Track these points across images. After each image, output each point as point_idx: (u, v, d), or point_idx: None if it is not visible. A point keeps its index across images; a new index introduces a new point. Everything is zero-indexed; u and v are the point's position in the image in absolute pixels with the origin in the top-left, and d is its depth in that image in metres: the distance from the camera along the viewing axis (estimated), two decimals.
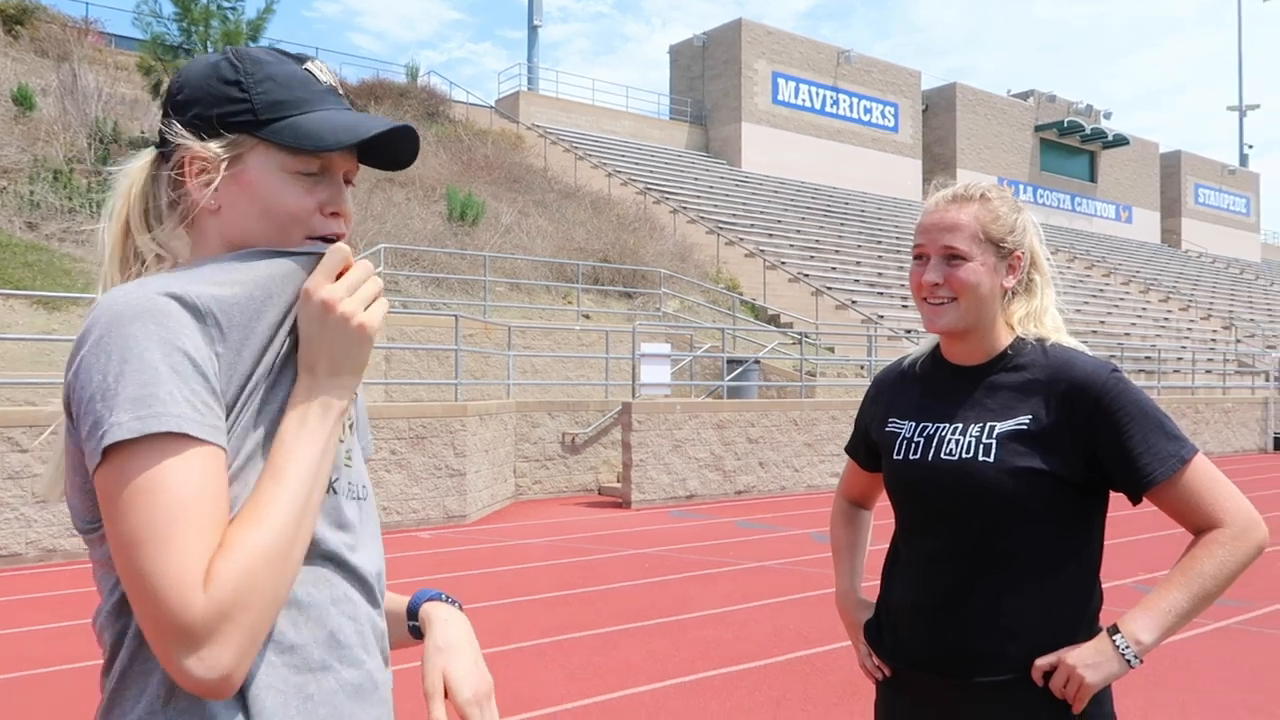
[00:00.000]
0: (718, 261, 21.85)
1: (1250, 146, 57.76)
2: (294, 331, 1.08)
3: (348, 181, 1.17)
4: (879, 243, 28.60)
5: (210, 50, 15.76)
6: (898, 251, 28.30)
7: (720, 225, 23.99)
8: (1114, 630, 1.53)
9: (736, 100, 32.86)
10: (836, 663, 5.09)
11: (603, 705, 4.44)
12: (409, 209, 18.12)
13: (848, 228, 29.05)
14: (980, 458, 1.59)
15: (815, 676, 4.86)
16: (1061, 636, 1.56)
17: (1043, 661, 1.55)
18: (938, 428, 1.67)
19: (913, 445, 1.69)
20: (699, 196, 27.06)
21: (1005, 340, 1.69)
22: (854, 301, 21.56)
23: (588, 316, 17.04)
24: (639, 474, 11.41)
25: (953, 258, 1.64)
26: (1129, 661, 1.51)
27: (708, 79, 33.80)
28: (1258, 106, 59.72)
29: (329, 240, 1.14)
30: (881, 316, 21.02)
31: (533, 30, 33.82)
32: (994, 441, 1.59)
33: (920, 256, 1.69)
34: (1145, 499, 1.59)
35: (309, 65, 1.16)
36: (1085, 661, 1.52)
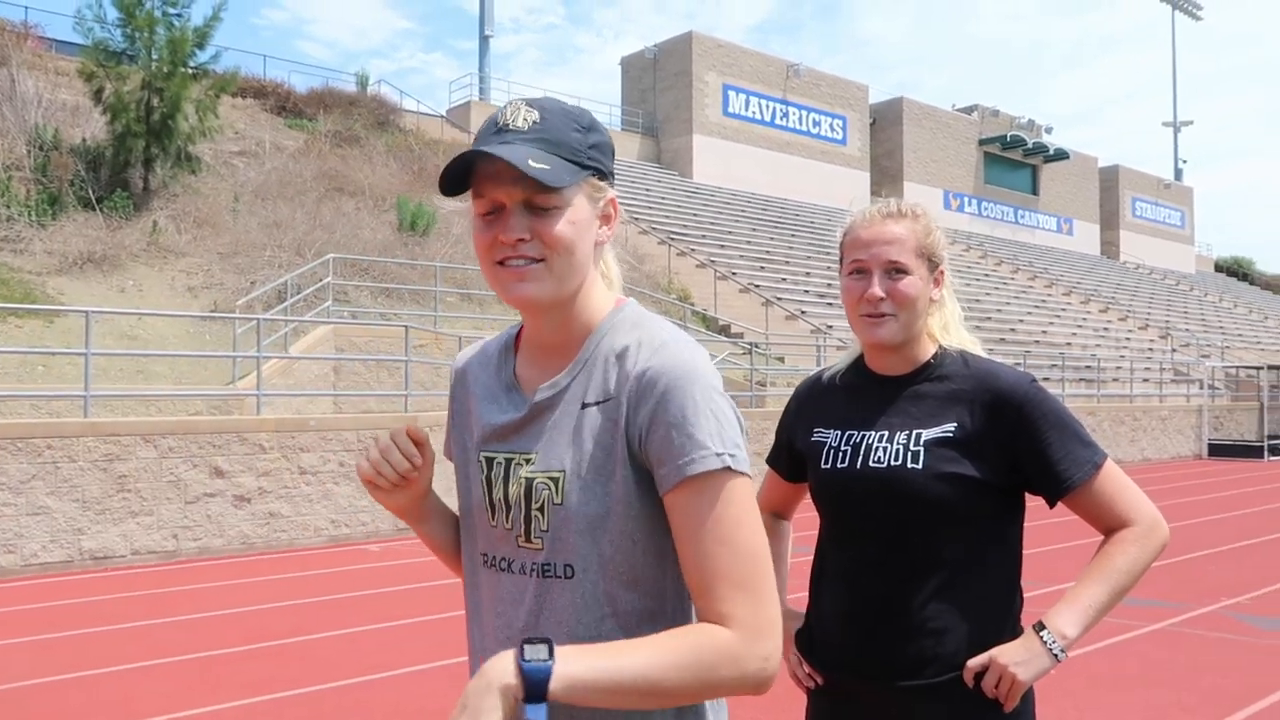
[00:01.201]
0: (669, 272, 21.97)
1: (1184, 161, 59.39)
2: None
3: (534, 208, 1.15)
4: (828, 254, 28.93)
5: (153, 57, 15.57)
6: None
7: (672, 236, 24.13)
8: (1040, 627, 1.60)
9: (687, 112, 33.08)
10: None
11: None
12: (359, 219, 17.98)
13: (797, 239, 29.36)
14: (909, 464, 1.64)
15: None
16: (989, 636, 1.62)
17: (974, 662, 1.60)
18: (864, 435, 1.72)
19: (840, 454, 1.73)
20: (650, 207, 27.19)
21: (928, 351, 1.75)
22: (803, 312, 21.79)
23: None
24: None
25: (895, 271, 1.69)
26: (1056, 656, 1.58)
27: (659, 91, 33.98)
28: (1191, 123, 61.47)
29: (509, 265, 1.17)
30: (830, 326, 21.27)
31: (484, 40, 33.75)
32: (921, 448, 1.65)
33: (860, 270, 1.72)
34: (1061, 503, 1.67)
35: (504, 107, 1.20)
36: (1016, 660, 1.58)
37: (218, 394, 10.81)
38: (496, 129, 1.16)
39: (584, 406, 1.19)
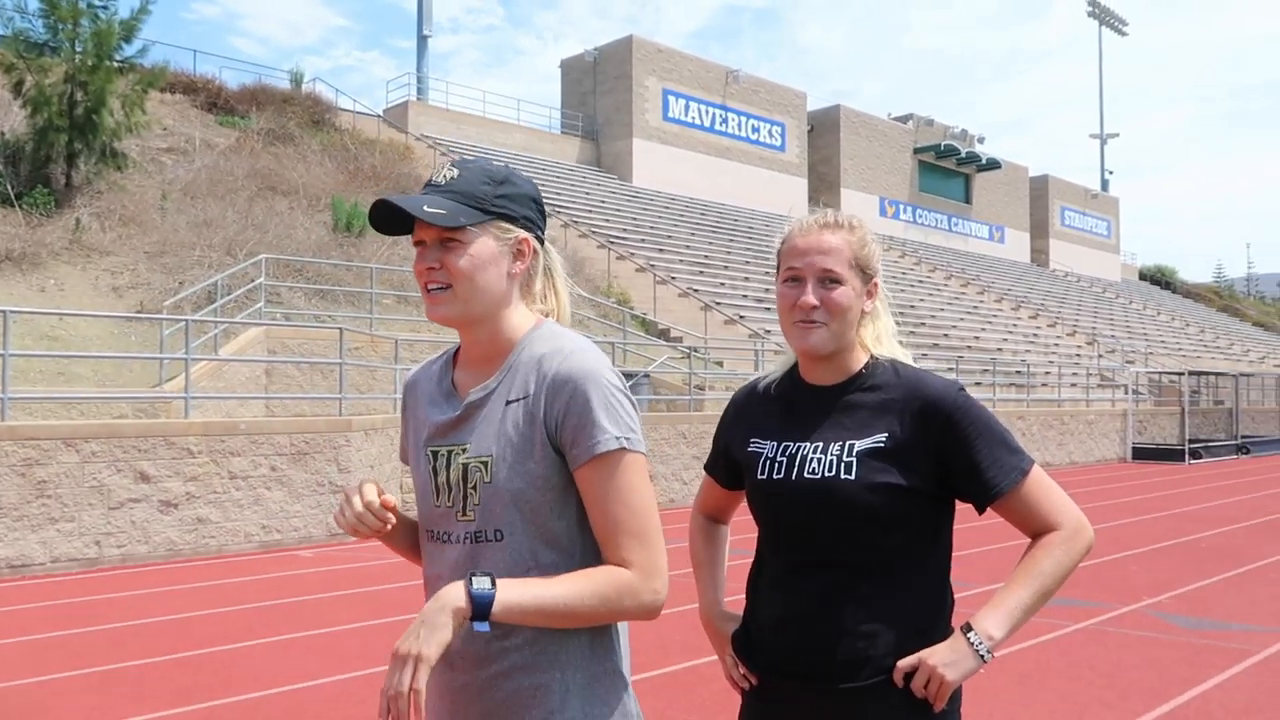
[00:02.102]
0: (609, 275, 21.96)
1: (1111, 172, 61.18)
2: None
3: (441, 242, 1.47)
4: (766, 259, 29.18)
5: (77, 49, 15.13)
6: None
7: (611, 240, 24.13)
8: (967, 628, 1.63)
9: (628, 116, 33.12)
10: (714, 674, 5.18)
11: None
12: (292, 218, 17.66)
13: (736, 244, 29.56)
14: (842, 475, 1.66)
15: (701, 685, 4.94)
16: (919, 639, 1.65)
17: (904, 663, 1.63)
18: (799, 446, 1.73)
19: (776, 465, 1.74)
20: (590, 211, 27.16)
21: (859, 361, 1.77)
22: (741, 317, 21.95)
23: None
24: None
25: (829, 280, 1.71)
26: (983, 657, 1.61)
27: (599, 94, 33.97)
28: (1117, 135, 63.28)
29: (427, 290, 1.50)
30: (768, 331, 21.44)
31: (422, 40, 33.39)
32: (854, 459, 1.67)
33: (794, 278, 1.74)
34: (991, 508, 1.70)
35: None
36: (944, 661, 1.61)
37: (144, 397, 10.52)
38: (427, 183, 1.51)
39: (508, 403, 1.47)
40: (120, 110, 15.67)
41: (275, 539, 9.27)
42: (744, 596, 1.86)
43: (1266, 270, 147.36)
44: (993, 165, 47.13)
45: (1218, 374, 27.02)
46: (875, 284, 1.77)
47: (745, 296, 24.15)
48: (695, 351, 16.98)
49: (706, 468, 2.00)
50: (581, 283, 20.50)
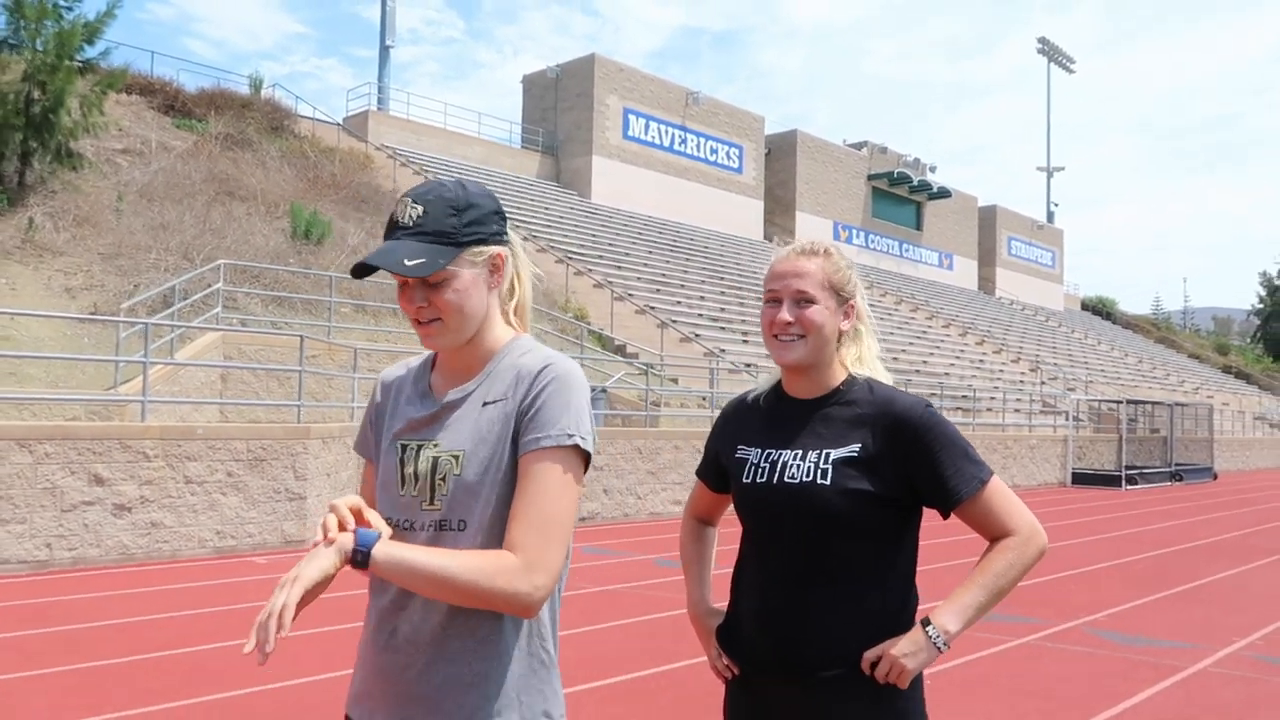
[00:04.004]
0: (566, 291, 22.08)
1: (1056, 205, 62.66)
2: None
3: (427, 284, 1.55)
4: (722, 279, 29.51)
5: (39, 47, 14.97)
6: (739, 288, 29.28)
7: (570, 255, 24.27)
8: (926, 623, 1.81)
9: (588, 133, 33.35)
10: (679, 679, 5.33)
11: None
12: (250, 224, 17.55)
13: (692, 263, 29.85)
14: (818, 481, 1.83)
15: (661, 693, 5.08)
16: (886, 632, 1.82)
17: (870, 654, 1.80)
18: (780, 454, 1.90)
19: (759, 470, 1.91)
20: (549, 226, 27.28)
21: (839, 378, 1.95)
22: (698, 335, 22.19)
23: None
24: None
25: (803, 300, 1.89)
26: (939, 648, 1.79)
27: (560, 110, 34.17)
28: (1063, 168, 64.94)
29: (418, 323, 1.58)
30: (723, 350, 21.71)
31: (385, 50, 33.33)
32: (830, 466, 1.84)
33: (773, 300, 1.93)
34: (952, 514, 1.88)
35: (397, 204, 1.60)
36: (905, 652, 1.78)
37: (99, 399, 10.42)
38: (391, 224, 1.58)
39: (484, 405, 1.58)
40: (78, 110, 15.50)
41: (230, 545, 9.24)
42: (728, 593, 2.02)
43: (1202, 304, 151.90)
44: (943, 194, 48.12)
45: (1154, 403, 27.83)
46: (851, 305, 1.95)
47: (701, 315, 24.41)
48: (651, 368, 17.15)
49: (698, 473, 2.17)
50: (539, 297, 20.50)
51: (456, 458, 1.55)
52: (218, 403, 12.07)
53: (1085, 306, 63.09)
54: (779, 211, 40.97)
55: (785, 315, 1.89)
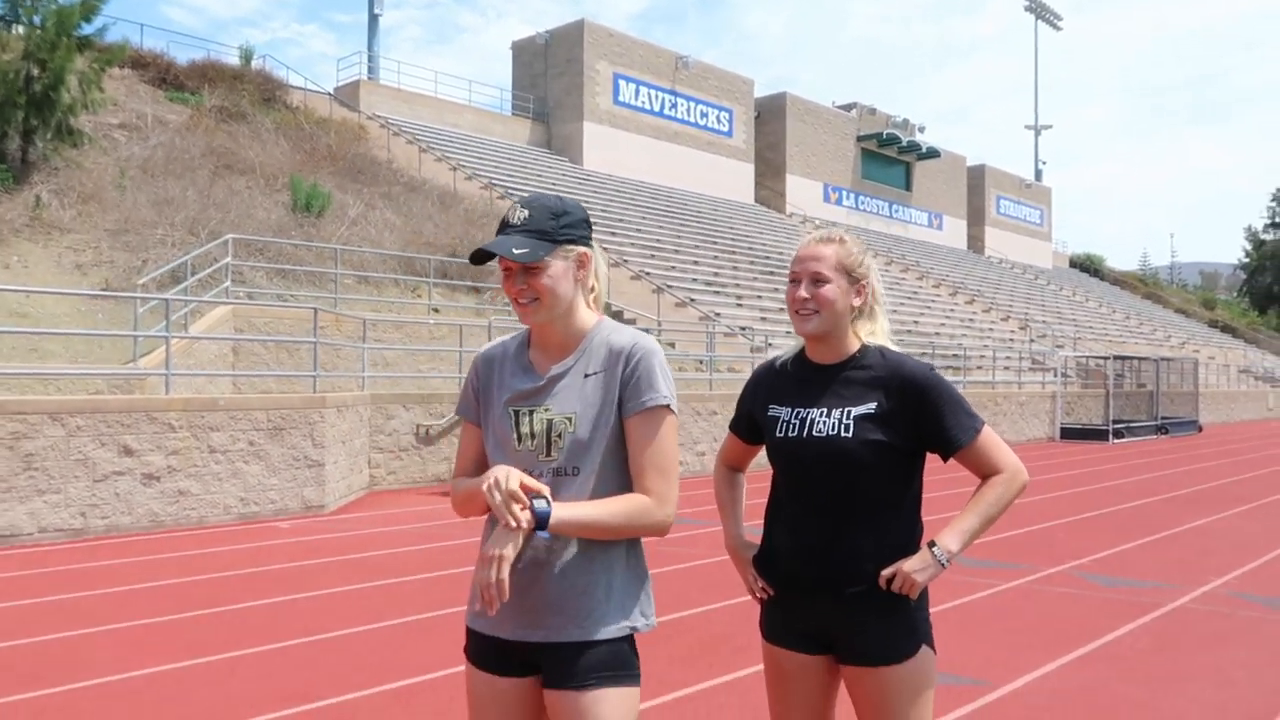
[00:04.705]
0: None
1: (1044, 163, 63.15)
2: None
3: (527, 270, 1.96)
4: (715, 243, 29.79)
5: (37, 23, 15.08)
6: (732, 252, 29.57)
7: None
8: (931, 544, 2.20)
9: (579, 99, 33.43)
10: (691, 626, 5.74)
11: None
12: (251, 198, 17.76)
13: (685, 228, 30.11)
14: (842, 435, 2.21)
15: (676, 638, 5.49)
16: (898, 554, 2.21)
17: (886, 572, 2.19)
18: (809, 412, 2.28)
19: (790, 426, 2.29)
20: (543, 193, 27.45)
21: (854, 347, 2.32)
22: (693, 300, 22.52)
23: (437, 310, 17.22)
24: None
25: (818, 280, 2.26)
26: (943, 564, 2.18)
27: (550, 77, 34.20)
28: (1051, 126, 65.18)
29: (519, 303, 1.99)
30: (718, 314, 22.06)
31: (374, 19, 33.22)
32: (851, 422, 2.22)
33: (795, 280, 2.31)
34: (952, 458, 2.26)
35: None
36: (915, 568, 2.17)
37: (122, 373, 10.74)
38: (503, 224, 2.00)
39: (585, 376, 2.00)
40: (77, 87, 15.64)
41: (253, 510, 9.61)
42: (761, 527, 2.39)
43: (1188, 259, 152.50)
44: (932, 154, 48.31)
45: (1140, 358, 28.33)
46: (862, 285, 2.31)
47: (695, 280, 24.72)
48: (649, 333, 17.48)
49: (731, 426, 2.54)
50: None
51: (570, 419, 1.96)
52: (234, 375, 12.39)
53: (1073, 264, 63.53)
54: (769, 174, 41.15)
55: (803, 293, 2.27)
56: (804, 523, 2.26)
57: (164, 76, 23.60)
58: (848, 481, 2.21)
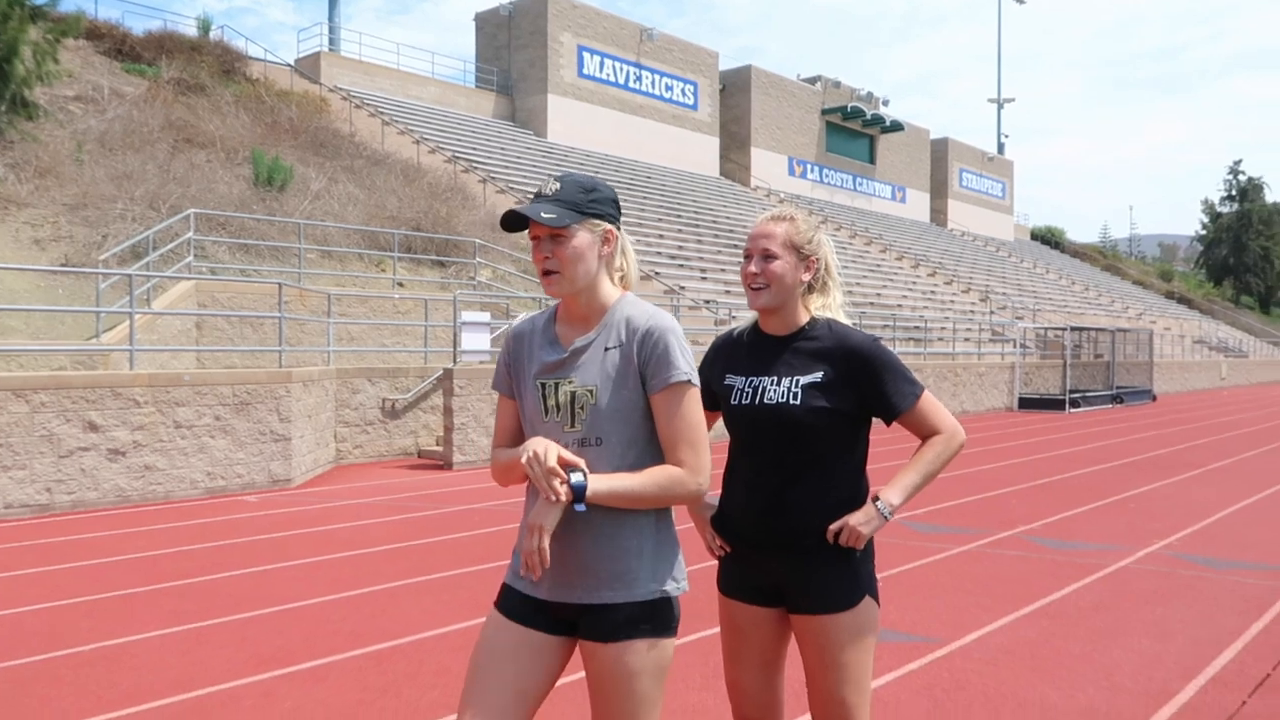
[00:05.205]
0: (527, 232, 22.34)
1: (1006, 136, 63.56)
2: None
3: (551, 237, 2.06)
4: (679, 216, 29.87)
5: None
6: (696, 226, 29.68)
7: (528, 196, 24.44)
8: (875, 499, 2.38)
9: (543, 72, 33.25)
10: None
11: (465, 631, 5.06)
12: (212, 172, 17.59)
13: (650, 202, 30.15)
14: (791, 401, 2.38)
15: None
16: (845, 510, 2.38)
17: (834, 526, 2.36)
18: (760, 380, 2.44)
19: (744, 393, 2.45)
20: (507, 167, 27.39)
21: (804, 319, 2.48)
22: (657, 273, 22.63)
23: (401, 285, 17.22)
24: (460, 437, 11.92)
25: (768, 256, 2.42)
26: (886, 516, 2.36)
27: (514, 49, 33.98)
28: (1013, 100, 65.63)
29: (543, 273, 2.10)
30: (683, 288, 22.21)
31: None
32: (800, 390, 2.38)
33: (748, 255, 2.47)
34: (895, 422, 2.43)
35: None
36: (859, 521, 2.35)
37: (85, 349, 10.69)
38: (536, 194, 2.11)
39: (606, 350, 2.09)
40: (31, 59, 15.38)
41: (220, 485, 9.66)
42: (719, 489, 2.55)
43: (1148, 232, 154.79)
44: (896, 127, 48.57)
45: (1097, 330, 28.87)
46: (812, 261, 2.46)
47: (660, 253, 24.82)
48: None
49: None
50: (501, 239, 20.90)
51: (591, 391, 2.06)
52: (205, 350, 12.38)
53: (1035, 236, 64.31)
54: (734, 148, 41.22)
55: (753, 268, 2.44)
56: (757, 483, 2.42)
57: (120, 48, 23.20)
58: (797, 445, 2.37)
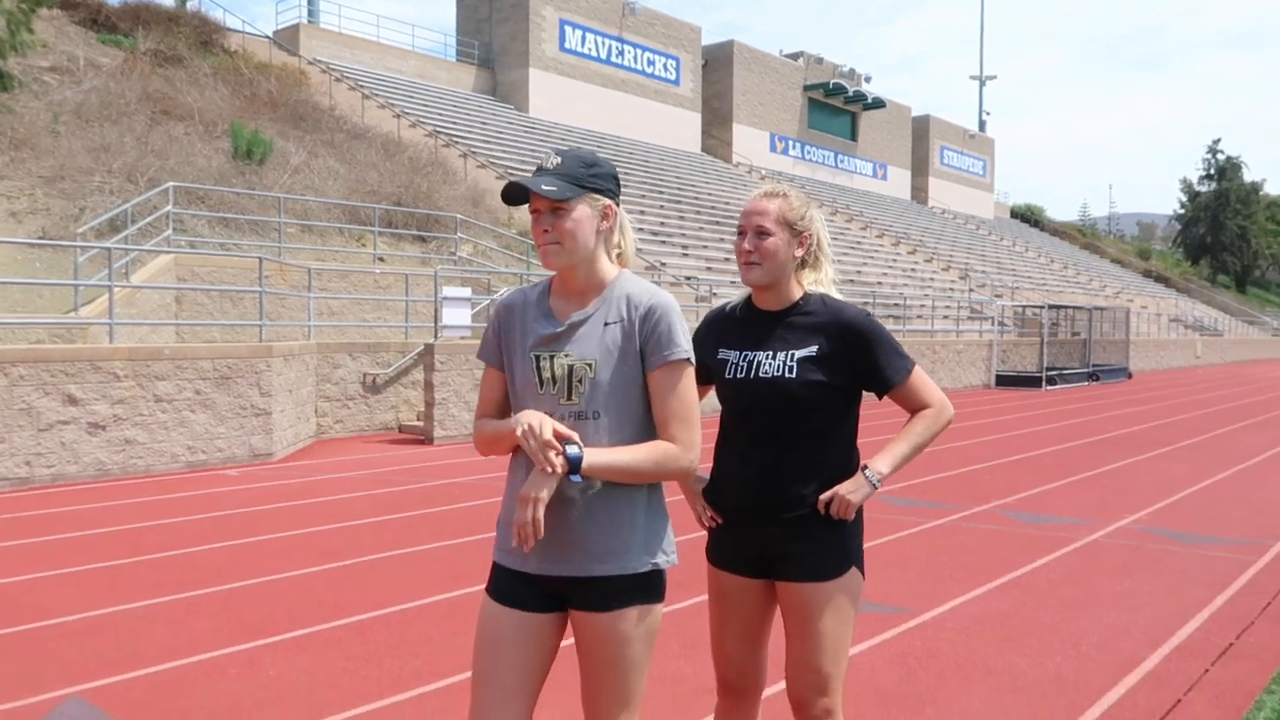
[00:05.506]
0: (510, 207, 22.28)
1: (988, 114, 63.59)
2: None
3: (551, 210, 2.07)
4: (661, 193, 29.84)
5: None
6: (679, 202, 29.66)
7: (509, 171, 24.38)
8: (864, 468, 2.44)
9: (524, 46, 33.02)
10: None
11: (446, 602, 5.13)
12: (190, 145, 17.43)
13: (632, 177, 30.08)
14: (786, 375, 2.42)
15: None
16: (835, 482, 2.43)
17: (824, 496, 2.42)
18: (755, 354, 2.48)
19: (739, 368, 2.50)
20: (489, 141, 27.24)
21: (797, 294, 2.52)
22: (639, 249, 22.63)
23: (382, 260, 17.16)
24: (441, 411, 11.95)
25: (761, 233, 2.46)
26: (874, 485, 2.42)
27: (495, 22, 33.70)
28: (995, 77, 65.80)
29: (542, 245, 2.10)
30: (664, 264, 22.24)
31: None
32: (795, 364, 2.43)
33: (741, 232, 2.51)
34: (887, 396, 2.49)
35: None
36: (849, 490, 2.41)
37: (64, 322, 10.64)
38: (538, 168, 2.12)
39: (606, 325, 2.10)
40: (5, 28, 15.17)
41: (201, 459, 9.66)
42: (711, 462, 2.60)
43: (1127, 210, 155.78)
44: (878, 104, 48.56)
45: (1075, 307, 29.12)
46: (805, 237, 2.50)
47: (642, 229, 24.81)
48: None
49: None
50: (482, 214, 20.84)
51: (590, 365, 2.07)
52: (185, 324, 12.33)
53: (1015, 214, 64.58)
54: (716, 124, 41.12)
55: (747, 245, 2.47)
56: (750, 455, 2.47)
57: (95, 18, 22.86)
58: (791, 418, 2.42)
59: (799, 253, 2.49)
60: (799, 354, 2.42)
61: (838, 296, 2.52)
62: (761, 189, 2.55)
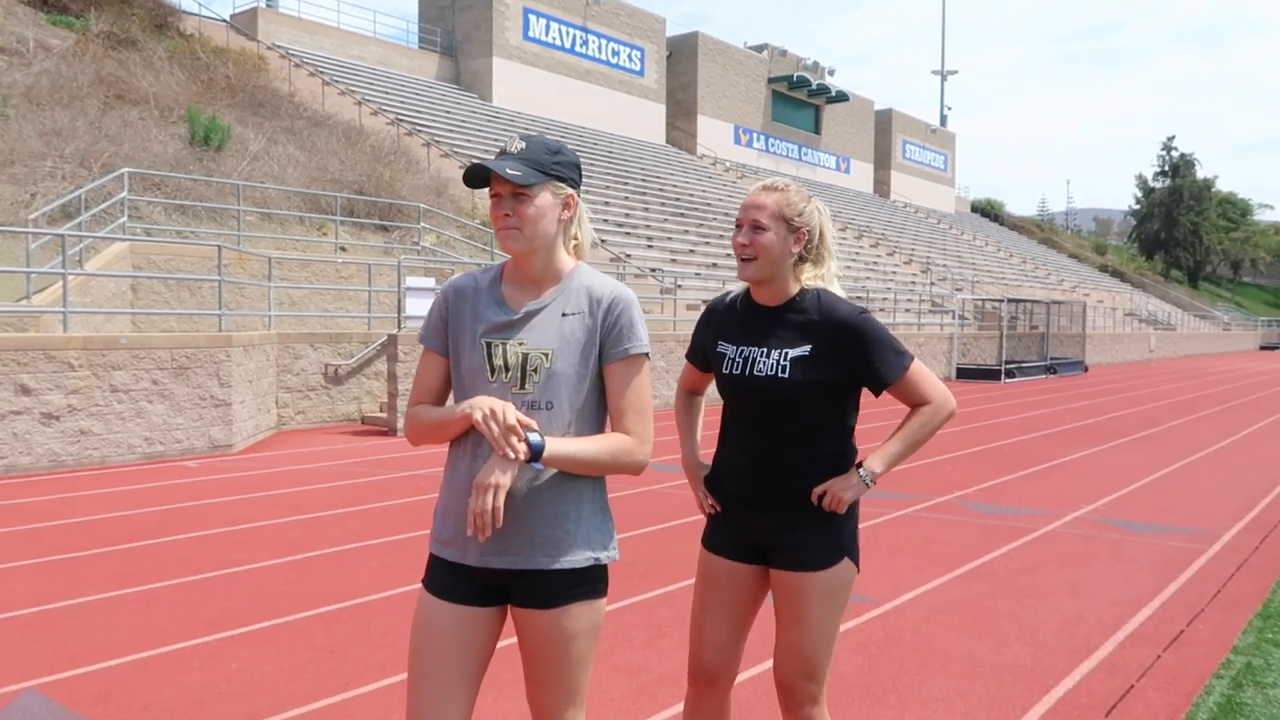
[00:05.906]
0: (473, 197, 22.16)
1: (949, 108, 64.34)
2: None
3: (514, 195, 2.03)
4: (626, 184, 29.80)
5: None
6: (643, 193, 29.65)
7: (473, 161, 24.21)
8: (858, 466, 2.46)
9: (488, 34, 32.79)
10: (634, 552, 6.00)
11: (411, 594, 5.10)
12: (145, 130, 17.12)
13: (596, 168, 30.01)
14: (779, 375, 2.43)
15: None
16: (831, 476, 2.45)
17: (818, 490, 2.43)
18: (751, 350, 2.49)
19: (735, 363, 2.50)
20: (452, 131, 27.04)
21: (794, 290, 2.52)
22: (603, 241, 22.60)
23: (344, 249, 16.98)
24: (404, 403, 11.87)
25: (757, 227, 2.45)
26: (868, 484, 2.44)
27: (458, 10, 33.42)
28: (956, 72, 66.44)
29: (502, 227, 2.06)
30: (629, 255, 22.23)
31: None
32: (789, 363, 2.43)
33: (739, 225, 2.50)
34: (885, 393, 2.50)
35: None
36: (842, 487, 2.43)
37: (15, 310, 10.42)
38: (501, 151, 2.07)
39: (564, 315, 2.08)
40: None
41: (159, 450, 9.52)
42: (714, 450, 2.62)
43: (1084, 205, 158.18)
44: (841, 98, 48.84)
45: (1033, 301, 29.54)
46: (802, 232, 2.49)
47: (607, 221, 24.78)
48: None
49: (687, 356, 2.74)
50: (446, 204, 20.69)
51: (546, 354, 2.04)
52: (142, 313, 12.11)
53: (975, 209, 65.35)
54: (680, 115, 41.13)
55: (742, 239, 2.46)
56: (747, 446, 2.49)
57: None
58: (786, 414, 2.44)
59: (796, 248, 2.47)
60: (793, 353, 2.42)
61: (839, 292, 2.51)
62: (762, 182, 2.53)
